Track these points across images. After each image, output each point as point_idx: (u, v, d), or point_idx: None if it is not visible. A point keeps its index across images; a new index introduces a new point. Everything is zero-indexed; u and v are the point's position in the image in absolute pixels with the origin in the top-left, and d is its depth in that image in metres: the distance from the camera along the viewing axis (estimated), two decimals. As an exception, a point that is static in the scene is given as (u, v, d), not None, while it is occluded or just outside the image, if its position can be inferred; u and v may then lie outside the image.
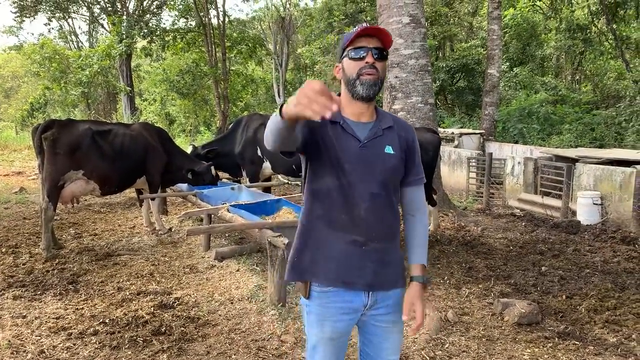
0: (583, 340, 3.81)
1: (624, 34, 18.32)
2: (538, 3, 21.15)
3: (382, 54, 1.95)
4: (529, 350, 3.66)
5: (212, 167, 7.28)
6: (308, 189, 2.04)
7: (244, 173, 8.18)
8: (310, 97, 1.50)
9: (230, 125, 8.54)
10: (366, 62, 1.93)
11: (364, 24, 1.97)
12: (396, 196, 2.06)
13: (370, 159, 1.96)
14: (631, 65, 17.08)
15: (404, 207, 2.15)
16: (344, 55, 1.99)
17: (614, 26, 17.71)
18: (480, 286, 4.94)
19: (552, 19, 20.67)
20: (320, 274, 1.99)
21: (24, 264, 5.60)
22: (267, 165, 7.81)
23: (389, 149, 1.99)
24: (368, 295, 2.01)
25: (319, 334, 2.03)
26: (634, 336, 3.84)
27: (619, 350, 3.65)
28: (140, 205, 7.38)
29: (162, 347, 3.66)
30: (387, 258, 2.02)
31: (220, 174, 8.19)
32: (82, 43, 29.96)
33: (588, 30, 18.86)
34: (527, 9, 20.22)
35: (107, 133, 6.30)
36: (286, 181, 8.44)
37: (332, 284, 1.98)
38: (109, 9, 23.66)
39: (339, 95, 2.04)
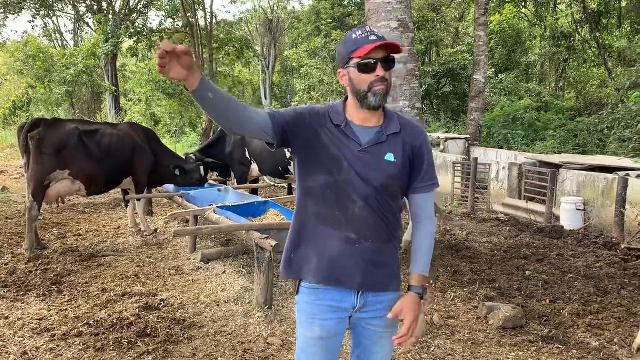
0: (566, 344, 3.86)
1: (607, 42, 18.63)
2: (523, 10, 21.40)
3: (390, 64, 1.94)
4: (514, 354, 3.69)
5: (201, 167, 7.19)
6: (301, 187, 2.03)
7: (232, 174, 8.17)
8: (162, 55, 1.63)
9: (219, 128, 8.52)
10: (377, 76, 1.90)
11: (367, 28, 1.94)
12: (395, 202, 2.03)
13: (369, 163, 1.94)
14: (613, 74, 17.36)
15: (411, 214, 2.12)
16: (350, 64, 1.94)
17: (597, 35, 18.00)
18: (465, 290, 4.97)
19: (537, 26, 20.93)
20: (313, 271, 1.98)
21: (6, 264, 5.53)
22: (254, 167, 7.80)
23: (389, 157, 1.96)
24: (358, 296, 2.00)
25: (309, 333, 2.02)
26: (615, 340, 3.90)
27: (602, 354, 3.71)
28: (126, 206, 7.32)
29: (148, 349, 3.63)
30: (379, 259, 2.00)
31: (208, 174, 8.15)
32: (67, 42, 29.70)
33: (572, 38, 19.15)
34: (512, 16, 20.45)
35: (94, 133, 6.24)
36: (273, 183, 8.44)
37: (324, 282, 1.97)
38: (95, 7, 23.45)
39: (346, 99, 2.04)
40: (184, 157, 7.51)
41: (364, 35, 1.91)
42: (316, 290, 2.00)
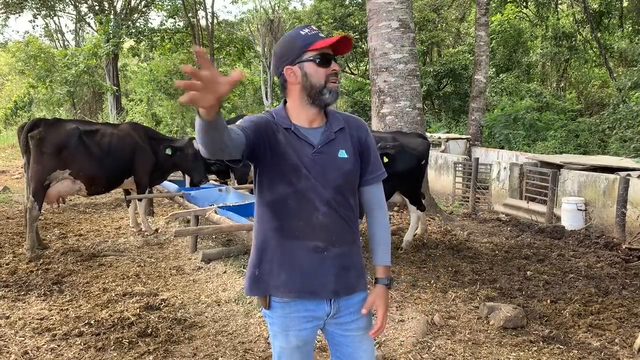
0: (567, 344, 3.86)
1: (608, 42, 18.62)
2: (524, 11, 21.39)
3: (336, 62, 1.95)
4: (514, 354, 3.69)
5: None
6: (261, 201, 1.97)
7: (232, 175, 8.16)
8: (196, 84, 1.40)
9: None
10: (333, 70, 1.90)
11: (313, 26, 1.92)
12: (354, 199, 2.02)
13: (325, 164, 1.91)
14: (615, 74, 17.35)
15: (364, 207, 2.10)
16: (304, 58, 1.89)
17: (598, 35, 17.98)
18: (466, 290, 4.97)
19: (538, 26, 20.92)
20: (283, 286, 1.93)
21: (7, 264, 5.53)
22: (254, 167, 7.79)
23: (342, 154, 1.94)
24: (331, 304, 1.97)
25: (284, 344, 1.98)
26: (616, 340, 3.89)
27: (602, 354, 3.70)
28: (128, 206, 7.32)
29: (148, 349, 3.63)
30: (348, 262, 1.98)
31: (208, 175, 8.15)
32: (68, 42, 29.70)
33: (573, 38, 19.13)
34: (513, 16, 20.45)
35: (95, 133, 6.24)
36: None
37: (297, 295, 1.93)
38: (96, 7, 23.48)
39: (285, 103, 1.99)
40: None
41: (313, 32, 1.90)
42: (289, 303, 1.95)
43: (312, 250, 1.91)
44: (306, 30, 1.90)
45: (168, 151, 6.85)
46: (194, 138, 7.11)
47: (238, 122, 1.92)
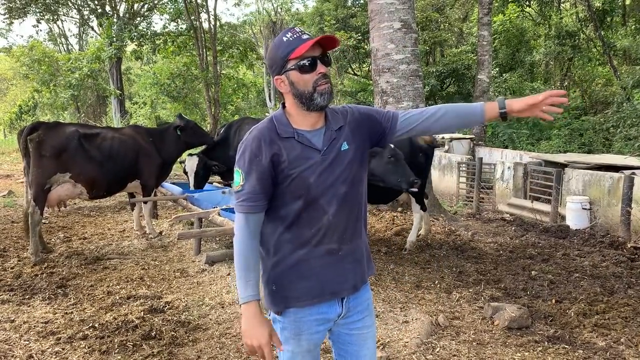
0: (572, 344, 3.84)
1: (612, 40, 18.53)
2: (527, 9, 21.32)
3: (327, 60, 1.90)
4: (519, 354, 3.68)
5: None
6: (271, 215, 1.95)
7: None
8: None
9: (222, 130, 8.51)
10: (319, 73, 1.86)
11: (296, 29, 1.88)
12: (362, 186, 2.02)
13: (333, 164, 1.91)
14: (619, 72, 17.28)
15: (424, 122, 2.02)
16: (288, 67, 1.87)
17: (602, 33, 17.91)
18: (470, 290, 4.95)
19: (541, 25, 20.86)
20: (303, 295, 1.94)
21: (12, 268, 5.56)
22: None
23: (344, 146, 1.94)
24: (342, 304, 1.99)
25: (296, 349, 1.98)
26: (622, 340, 3.87)
27: (608, 353, 3.68)
28: (132, 209, 7.32)
29: (152, 352, 3.64)
30: (360, 254, 2.02)
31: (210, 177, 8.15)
32: (71, 46, 29.80)
33: (577, 37, 19.05)
34: (516, 15, 20.40)
35: (95, 136, 6.21)
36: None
37: (319, 300, 1.95)
38: (99, 11, 23.54)
39: (283, 106, 1.97)
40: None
41: (295, 36, 1.86)
42: (302, 308, 1.96)
43: (326, 254, 1.93)
44: (289, 35, 1.87)
45: (178, 132, 6.90)
46: (180, 114, 7.27)
47: (240, 156, 1.91)
